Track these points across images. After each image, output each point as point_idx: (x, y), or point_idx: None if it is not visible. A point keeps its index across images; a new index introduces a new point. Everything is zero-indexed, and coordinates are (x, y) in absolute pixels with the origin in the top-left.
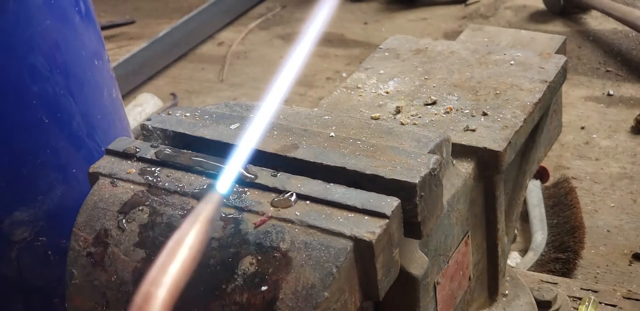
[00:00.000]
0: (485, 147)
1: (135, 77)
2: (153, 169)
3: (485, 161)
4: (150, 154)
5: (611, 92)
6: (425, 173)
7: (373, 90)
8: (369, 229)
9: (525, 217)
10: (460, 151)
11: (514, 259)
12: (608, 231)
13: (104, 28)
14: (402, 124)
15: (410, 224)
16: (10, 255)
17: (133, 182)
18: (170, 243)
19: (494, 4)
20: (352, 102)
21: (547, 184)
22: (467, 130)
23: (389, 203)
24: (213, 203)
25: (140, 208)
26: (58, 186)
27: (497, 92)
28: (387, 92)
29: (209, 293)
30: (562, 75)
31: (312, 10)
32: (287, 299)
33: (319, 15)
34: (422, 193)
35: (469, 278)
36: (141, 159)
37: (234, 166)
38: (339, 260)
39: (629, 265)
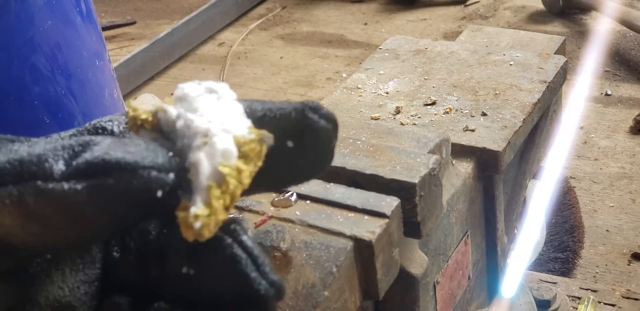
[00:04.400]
0: (485, 148)
1: (136, 78)
2: None
3: (485, 161)
4: None
5: (609, 92)
6: (424, 172)
7: (373, 90)
8: (369, 228)
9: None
10: (460, 151)
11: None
12: (607, 230)
13: (105, 28)
14: (402, 124)
15: (410, 223)
16: None
17: None
18: None
19: (493, 4)
20: (352, 103)
21: None
22: (466, 130)
23: (389, 203)
24: None
25: None
26: None
27: (497, 92)
28: (387, 93)
29: None
30: (562, 75)
31: (312, 11)
32: (287, 298)
33: None
34: (422, 193)
35: (469, 278)
36: None
37: None
38: (339, 259)
39: (628, 265)
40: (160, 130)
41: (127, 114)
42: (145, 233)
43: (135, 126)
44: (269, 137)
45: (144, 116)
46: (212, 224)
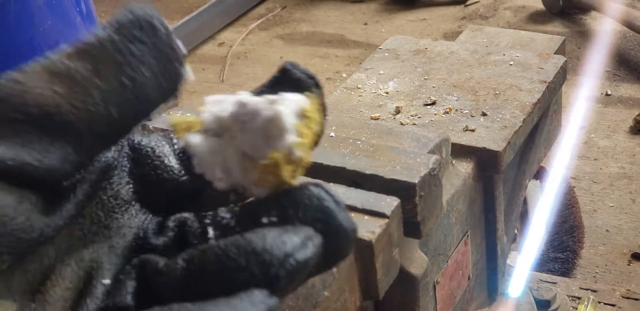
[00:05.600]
0: (485, 147)
1: None
2: None
3: (485, 161)
4: None
5: (609, 92)
6: (424, 172)
7: (373, 90)
8: (369, 228)
9: (525, 217)
10: (460, 151)
11: (513, 258)
12: (607, 230)
13: None
14: (402, 124)
15: (410, 223)
16: None
17: None
18: None
19: (493, 4)
20: (352, 103)
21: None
22: (466, 130)
23: (389, 203)
24: None
25: None
26: None
27: (497, 92)
28: (387, 93)
29: None
30: (562, 75)
31: (312, 11)
32: (287, 298)
33: None
34: (422, 193)
35: (469, 278)
36: None
37: None
38: None
39: (628, 265)
40: (205, 130)
41: (170, 123)
42: (183, 220)
43: (182, 130)
44: (322, 93)
45: (189, 119)
46: (309, 154)
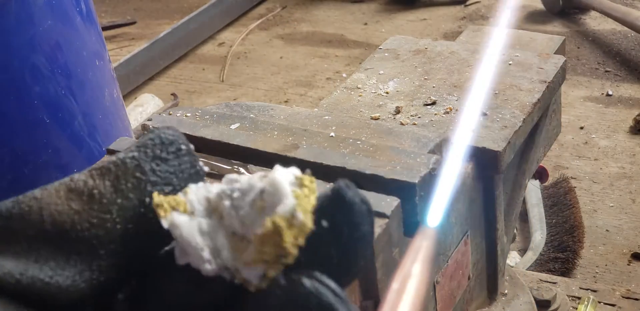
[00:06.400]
0: (485, 147)
1: (136, 78)
2: None
3: (485, 161)
4: None
5: (610, 93)
6: (425, 172)
7: (373, 90)
8: None
9: (524, 217)
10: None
11: (513, 258)
12: (607, 230)
13: (105, 28)
14: (402, 124)
15: (410, 223)
16: None
17: None
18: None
19: (494, 4)
20: (352, 103)
21: (546, 184)
22: None
23: (389, 203)
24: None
25: None
26: None
27: (496, 92)
28: (387, 93)
29: None
30: (561, 75)
31: (312, 11)
32: None
33: None
34: (422, 193)
35: (469, 278)
36: None
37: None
38: None
39: (628, 265)
40: (191, 211)
41: (155, 202)
42: None
43: (167, 209)
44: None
45: (176, 199)
46: (310, 220)
